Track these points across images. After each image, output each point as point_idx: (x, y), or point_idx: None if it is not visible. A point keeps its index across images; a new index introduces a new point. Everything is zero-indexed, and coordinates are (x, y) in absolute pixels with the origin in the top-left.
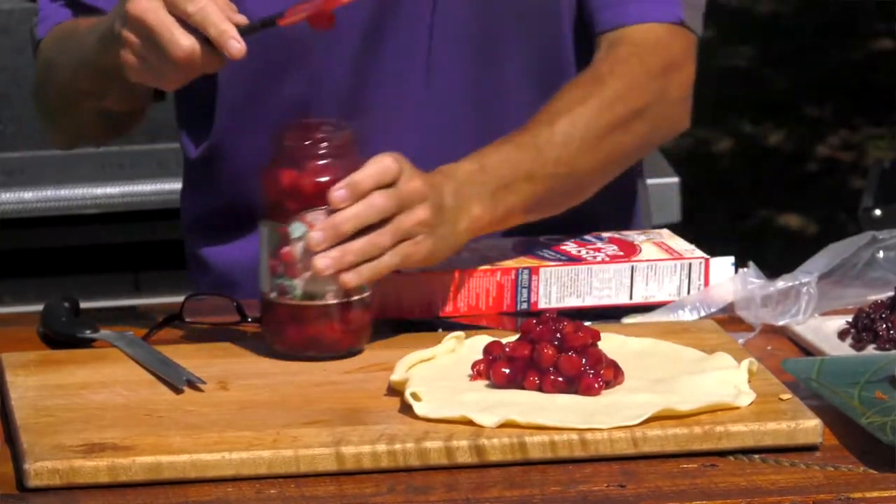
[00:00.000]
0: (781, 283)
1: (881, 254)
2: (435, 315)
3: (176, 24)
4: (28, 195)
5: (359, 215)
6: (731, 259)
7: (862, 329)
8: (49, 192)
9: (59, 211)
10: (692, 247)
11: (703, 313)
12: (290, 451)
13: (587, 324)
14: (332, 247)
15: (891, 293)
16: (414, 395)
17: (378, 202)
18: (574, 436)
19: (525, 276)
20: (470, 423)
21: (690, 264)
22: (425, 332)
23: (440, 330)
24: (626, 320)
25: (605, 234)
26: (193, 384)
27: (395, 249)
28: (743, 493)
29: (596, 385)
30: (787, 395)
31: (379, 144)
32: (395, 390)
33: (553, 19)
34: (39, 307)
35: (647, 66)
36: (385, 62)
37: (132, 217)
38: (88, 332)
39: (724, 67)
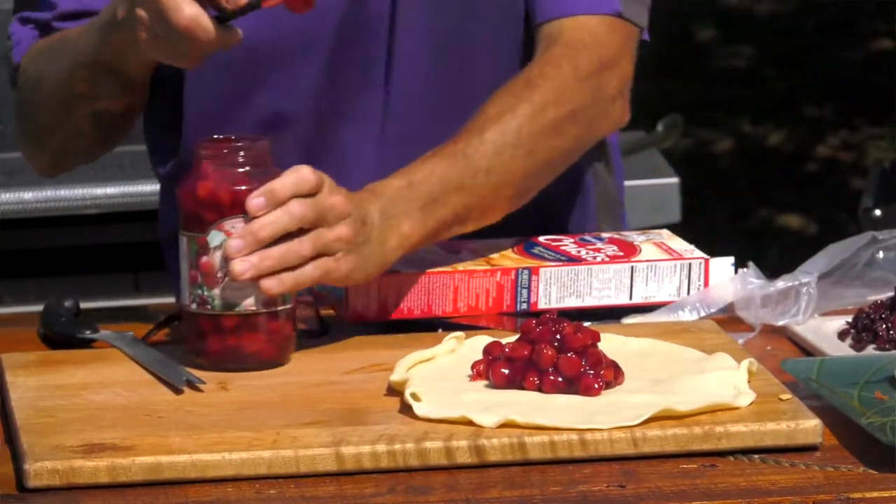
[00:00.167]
0: (781, 284)
1: (881, 254)
2: (435, 315)
3: None
4: (28, 195)
5: (276, 221)
6: (731, 259)
7: (862, 329)
8: (49, 192)
9: (59, 211)
10: (692, 247)
11: (702, 313)
12: (289, 451)
13: (587, 324)
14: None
15: (891, 293)
16: (414, 396)
17: (296, 209)
18: (574, 436)
19: (525, 277)
20: (470, 423)
21: (690, 264)
22: (425, 332)
23: (440, 330)
24: (626, 320)
25: (605, 235)
26: (193, 384)
27: (316, 263)
28: (743, 494)
29: (596, 385)
30: (786, 396)
31: (349, 154)
32: (395, 390)
33: (518, 22)
34: (39, 307)
35: (578, 68)
36: (350, 73)
37: (132, 217)
38: (88, 332)
39: (724, 67)
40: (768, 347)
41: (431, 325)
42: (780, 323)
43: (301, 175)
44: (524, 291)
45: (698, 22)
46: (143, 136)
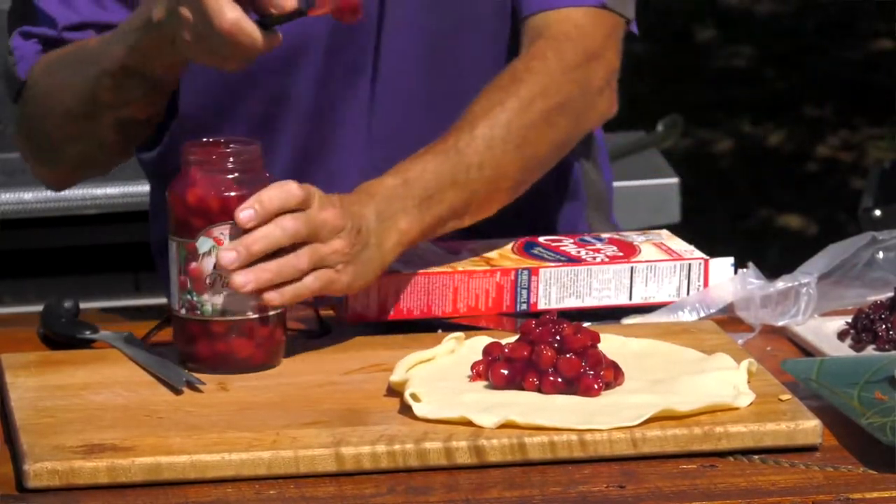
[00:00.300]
0: (781, 284)
1: (881, 254)
2: (435, 315)
3: None
4: (28, 195)
5: (268, 236)
6: (731, 259)
7: (861, 330)
8: (49, 193)
9: (59, 211)
10: (692, 247)
11: (702, 314)
12: (289, 451)
13: (586, 325)
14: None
15: (890, 294)
16: (413, 396)
17: (288, 225)
18: (573, 436)
19: (525, 277)
20: (469, 423)
21: (690, 265)
22: (425, 332)
23: (440, 330)
24: (626, 321)
25: (605, 235)
26: (193, 385)
27: (317, 275)
28: (743, 494)
29: (595, 386)
30: (786, 396)
31: (340, 155)
32: (395, 391)
33: (507, 20)
34: (39, 307)
35: (564, 60)
36: (341, 74)
37: (132, 217)
38: (88, 332)
39: (724, 67)
40: (768, 348)
41: (431, 326)
42: (780, 323)
43: (287, 190)
44: (524, 292)
45: (698, 22)
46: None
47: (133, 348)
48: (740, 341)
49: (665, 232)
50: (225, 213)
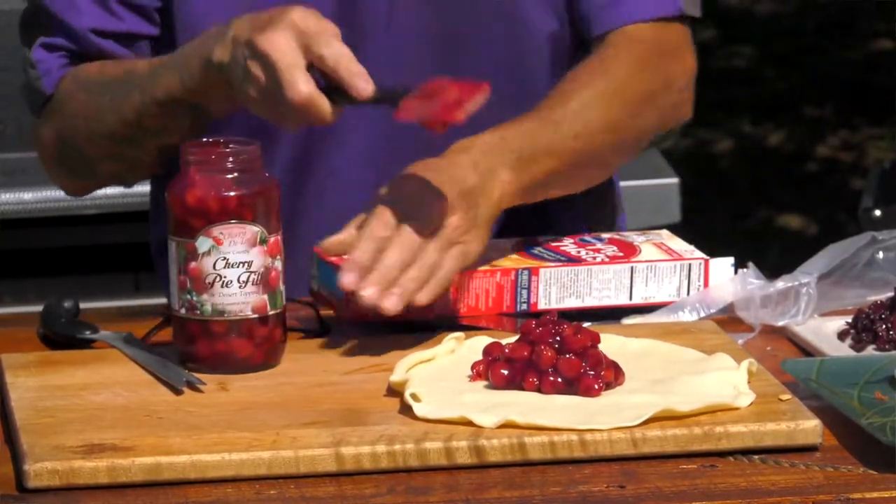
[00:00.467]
0: (781, 284)
1: (881, 254)
2: (435, 315)
3: (301, 67)
4: (28, 195)
5: (404, 260)
6: (731, 260)
7: (861, 330)
8: (49, 192)
9: (59, 211)
10: (692, 247)
11: (702, 314)
12: (289, 451)
13: (586, 325)
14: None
15: (890, 294)
16: (413, 396)
17: (408, 239)
18: (574, 436)
19: (525, 277)
20: (469, 423)
21: (690, 265)
22: (425, 332)
23: (440, 331)
24: (626, 321)
25: (605, 235)
26: (193, 385)
27: (451, 256)
28: (743, 494)
29: (596, 386)
30: (786, 396)
31: (340, 155)
32: (395, 391)
33: (518, 29)
34: (39, 307)
35: (649, 54)
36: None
37: (132, 217)
38: (88, 332)
39: (724, 67)
40: (768, 348)
41: (431, 326)
42: (780, 323)
43: (385, 219)
44: (524, 292)
45: (698, 22)
46: None
47: (133, 348)
48: (740, 341)
49: (665, 232)
50: (224, 213)
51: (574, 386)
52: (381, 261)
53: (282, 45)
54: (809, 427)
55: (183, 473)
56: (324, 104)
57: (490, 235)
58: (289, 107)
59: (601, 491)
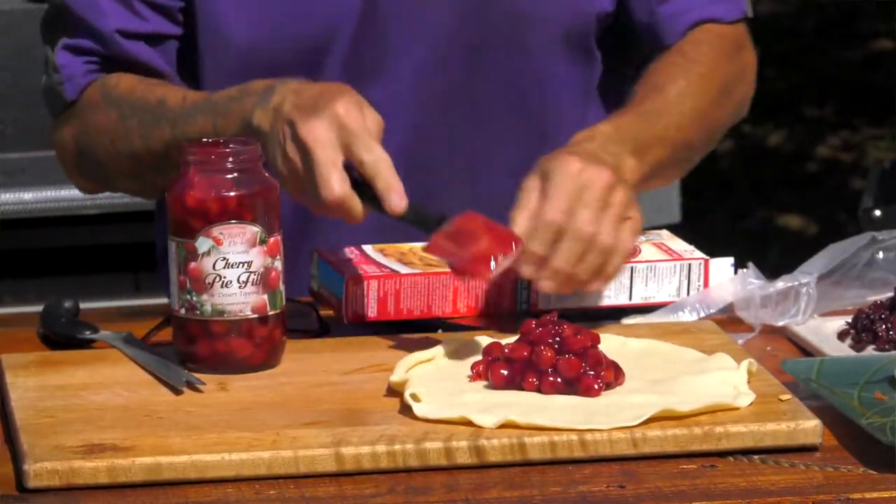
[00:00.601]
0: (781, 284)
1: (881, 254)
2: (435, 315)
3: (338, 165)
4: (28, 195)
5: (580, 251)
6: (731, 260)
7: (861, 330)
8: (49, 192)
9: (59, 211)
10: (692, 247)
11: (702, 314)
12: (289, 451)
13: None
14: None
15: (890, 294)
16: (413, 396)
17: (587, 228)
18: (574, 436)
19: None
20: (469, 423)
21: (690, 265)
22: (425, 332)
23: (440, 330)
24: (626, 321)
25: None
26: (193, 385)
27: (626, 229)
28: (743, 494)
29: (596, 386)
30: (786, 396)
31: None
32: (395, 391)
33: (539, 29)
34: (39, 307)
35: (724, 48)
36: (363, 76)
37: (132, 217)
38: (88, 332)
39: None
40: (768, 348)
41: (431, 326)
42: (780, 323)
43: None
44: (524, 292)
45: None
46: None
47: (133, 348)
48: (740, 341)
49: (665, 232)
50: (224, 213)
51: (574, 386)
52: (558, 252)
53: (322, 138)
54: (809, 427)
55: (183, 473)
56: (355, 206)
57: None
58: (320, 202)
59: (601, 491)
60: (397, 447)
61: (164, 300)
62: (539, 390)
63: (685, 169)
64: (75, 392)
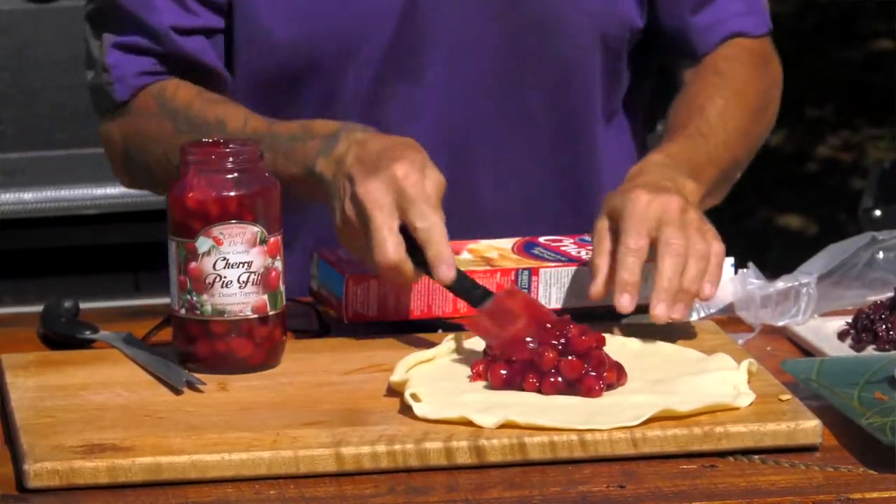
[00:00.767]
0: (781, 284)
1: (881, 254)
2: (435, 315)
3: (395, 229)
4: (28, 195)
5: (676, 269)
6: (731, 260)
7: (861, 330)
8: (49, 193)
9: (59, 211)
10: None
11: (702, 314)
12: (289, 451)
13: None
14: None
15: (890, 294)
16: (414, 396)
17: (677, 249)
18: (574, 436)
19: (525, 277)
20: (469, 423)
21: None
22: (425, 332)
23: (440, 330)
24: (626, 321)
25: None
26: (193, 385)
27: (710, 239)
28: (743, 494)
29: (597, 387)
30: (786, 396)
31: None
32: (395, 391)
33: (579, 40)
34: (39, 307)
35: (754, 63)
36: (398, 82)
37: (132, 217)
38: (88, 332)
39: None
40: (768, 348)
41: (431, 326)
42: (780, 323)
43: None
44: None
45: None
46: None
47: (133, 348)
48: (740, 341)
49: None
50: (224, 214)
51: (575, 387)
52: (661, 272)
53: (379, 201)
54: (809, 427)
55: (183, 473)
56: (407, 271)
57: None
58: (373, 262)
59: (601, 491)
60: (397, 447)
61: (164, 300)
62: (540, 391)
63: (730, 187)
64: (75, 392)
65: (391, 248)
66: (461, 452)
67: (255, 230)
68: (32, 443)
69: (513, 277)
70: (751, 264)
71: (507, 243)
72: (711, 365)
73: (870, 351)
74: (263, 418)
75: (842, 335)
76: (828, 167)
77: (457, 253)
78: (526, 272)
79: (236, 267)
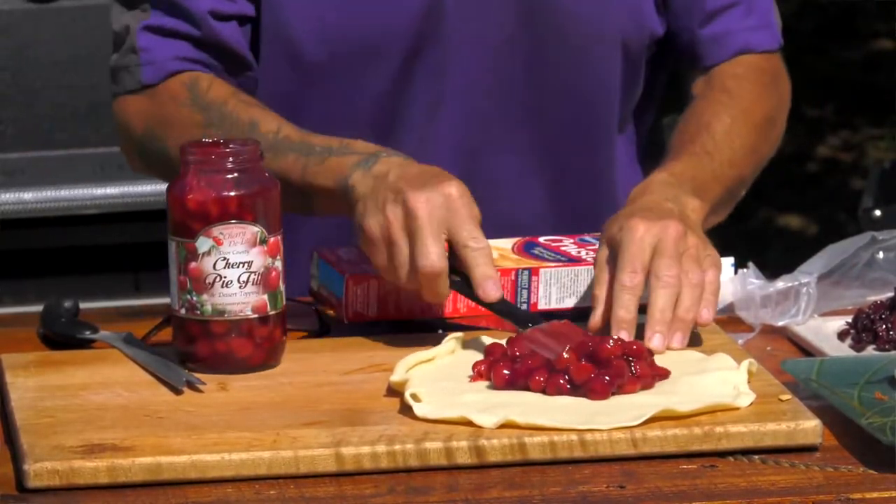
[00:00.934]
0: (781, 284)
1: (881, 254)
2: (435, 315)
3: (442, 241)
4: (28, 195)
5: (669, 300)
6: (731, 260)
7: (861, 330)
8: (49, 193)
9: (59, 211)
10: None
11: None
12: (289, 451)
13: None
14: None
15: (890, 294)
16: (414, 396)
17: (669, 280)
18: (574, 436)
19: (525, 277)
20: (470, 423)
21: None
22: (425, 332)
23: (440, 330)
24: None
25: None
26: (193, 385)
27: (706, 267)
28: (743, 494)
29: (603, 392)
30: (786, 396)
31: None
32: (395, 391)
33: (606, 49)
34: (39, 307)
35: (763, 81)
36: (416, 84)
37: (132, 217)
38: (88, 332)
39: None
40: (768, 348)
41: (431, 326)
42: (780, 323)
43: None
44: (524, 292)
45: None
46: None
47: (133, 348)
48: (740, 341)
49: None
50: (224, 214)
51: (581, 390)
52: (653, 304)
53: (433, 213)
54: (809, 427)
55: (183, 473)
56: (444, 284)
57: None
58: (407, 266)
59: (601, 491)
60: (397, 447)
61: (164, 300)
62: (544, 391)
63: (734, 204)
64: (75, 392)
65: (435, 256)
66: (461, 452)
67: (255, 230)
68: (32, 443)
69: (513, 277)
70: (751, 264)
71: (507, 243)
72: (711, 365)
73: (870, 351)
74: (263, 418)
75: (842, 335)
76: (828, 167)
77: None
78: (526, 272)
79: (236, 267)
